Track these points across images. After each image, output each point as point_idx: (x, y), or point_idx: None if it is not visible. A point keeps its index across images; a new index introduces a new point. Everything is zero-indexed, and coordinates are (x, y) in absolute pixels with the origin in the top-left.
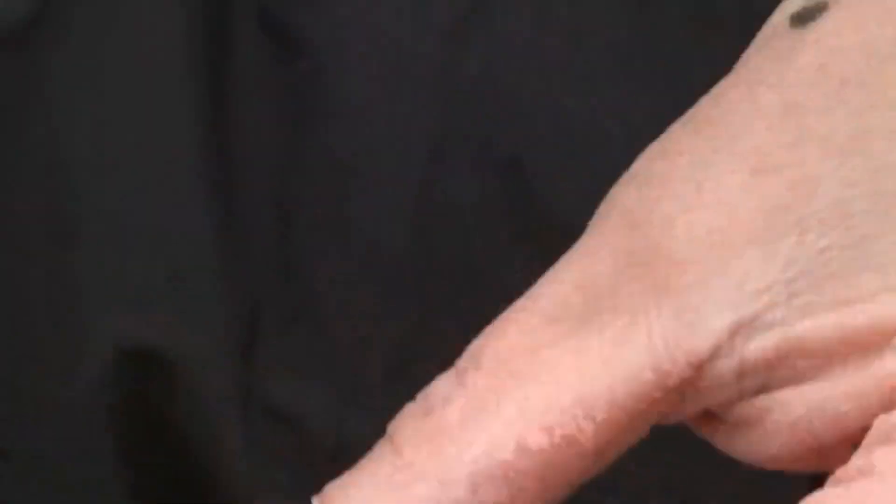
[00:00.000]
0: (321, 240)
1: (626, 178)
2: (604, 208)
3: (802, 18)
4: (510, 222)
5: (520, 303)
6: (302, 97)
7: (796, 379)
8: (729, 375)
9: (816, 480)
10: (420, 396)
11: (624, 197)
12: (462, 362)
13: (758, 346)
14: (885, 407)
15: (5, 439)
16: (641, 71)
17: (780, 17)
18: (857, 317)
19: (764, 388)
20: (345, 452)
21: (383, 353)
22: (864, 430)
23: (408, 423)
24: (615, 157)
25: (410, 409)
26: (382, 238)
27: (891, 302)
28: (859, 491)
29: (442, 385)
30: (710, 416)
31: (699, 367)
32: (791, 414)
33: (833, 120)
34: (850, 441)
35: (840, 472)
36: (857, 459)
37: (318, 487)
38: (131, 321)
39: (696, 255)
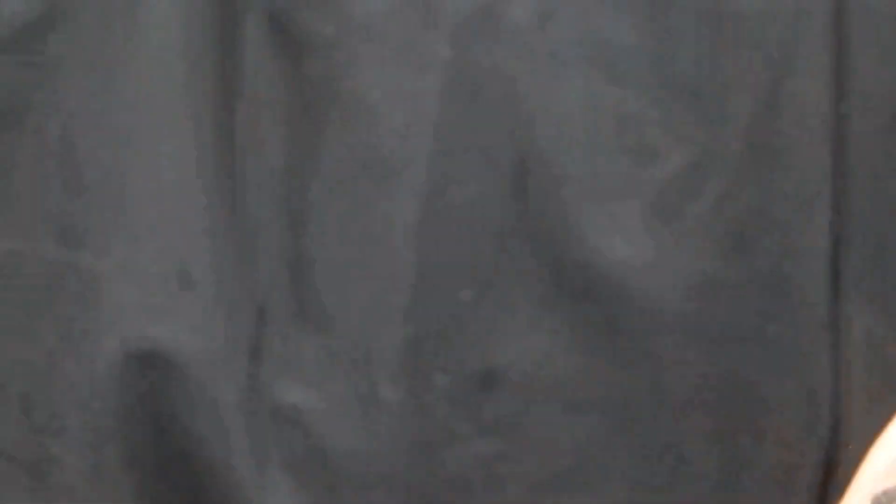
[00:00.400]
0: (329, 242)
1: None
2: None
3: None
4: (515, 224)
5: None
6: (311, 97)
7: None
8: None
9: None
10: None
11: None
12: None
13: None
14: None
15: (15, 443)
16: (650, 72)
17: (861, 497)
18: None
19: None
20: (351, 455)
21: (389, 356)
22: None
23: None
24: (624, 159)
25: None
26: (390, 239)
27: None
28: None
29: None
30: None
31: None
32: None
33: None
34: None
35: None
36: None
37: (323, 489)
38: (140, 323)
39: None
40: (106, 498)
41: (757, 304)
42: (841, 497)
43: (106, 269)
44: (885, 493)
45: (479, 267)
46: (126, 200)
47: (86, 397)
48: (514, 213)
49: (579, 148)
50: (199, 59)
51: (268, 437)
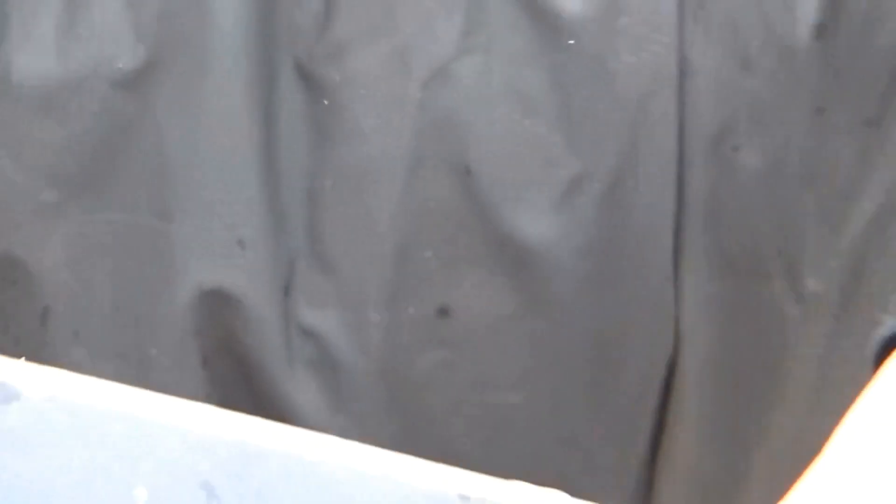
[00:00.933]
0: (336, 218)
1: None
2: None
3: None
4: (462, 208)
5: None
6: (324, 123)
7: None
8: None
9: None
10: None
11: None
12: None
13: None
14: None
15: (127, 348)
16: (552, 109)
17: None
18: None
19: None
20: (352, 356)
21: (376, 294)
22: None
23: None
24: (535, 167)
25: None
26: (378, 218)
27: None
28: None
29: None
30: None
31: None
32: None
33: None
34: None
35: None
36: None
37: (332, 383)
38: (211, 270)
39: None
40: (188, 387)
41: (624, 265)
42: (678, 399)
43: (187, 236)
44: None
45: (438, 236)
46: (202, 190)
47: (175, 319)
48: (461, 201)
49: (505, 159)
50: (252, 97)
51: (296, 347)
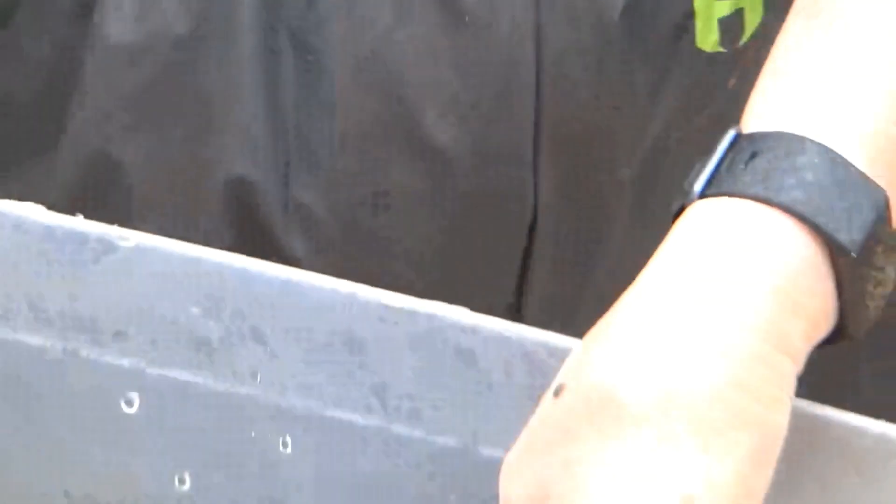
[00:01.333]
0: (315, 130)
1: None
2: None
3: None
4: (394, 118)
5: None
6: (308, 70)
7: None
8: None
9: None
10: None
11: None
12: None
13: None
14: None
15: (178, 214)
16: (452, 57)
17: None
18: None
19: None
20: (326, 219)
21: (342, 179)
22: None
23: None
24: (443, 92)
25: None
26: (341, 131)
27: None
28: None
29: None
30: None
31: None
32: None
33: None
34: None
35: None
36: None
37: (314, 235)
38: (236, 164)
39: None
40: (221, 241)
41: (501, 159)
42: (537, 249)
43: (220, 141)
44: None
45: (380, 141)
46: (230, 114)
47: (212, 195)
48: (395, 119)
49: (424, 91)
50: (262, 54)
51: (290, 214)
